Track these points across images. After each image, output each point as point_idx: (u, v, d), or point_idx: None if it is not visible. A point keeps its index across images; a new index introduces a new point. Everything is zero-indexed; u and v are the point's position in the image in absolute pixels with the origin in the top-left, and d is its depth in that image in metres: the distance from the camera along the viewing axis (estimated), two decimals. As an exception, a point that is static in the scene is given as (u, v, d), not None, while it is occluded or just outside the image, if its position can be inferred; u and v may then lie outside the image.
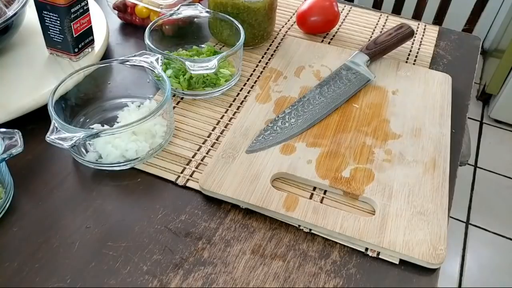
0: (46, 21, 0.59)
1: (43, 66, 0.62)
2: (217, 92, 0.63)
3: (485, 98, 1.91)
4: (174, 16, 0.67)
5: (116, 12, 0.76)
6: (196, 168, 0.53)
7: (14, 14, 0.58)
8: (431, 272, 0.45)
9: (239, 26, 0.64)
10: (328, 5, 0.75)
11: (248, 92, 0.64)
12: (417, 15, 1.17)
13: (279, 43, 0.75)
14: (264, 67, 0.69)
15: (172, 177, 0.52)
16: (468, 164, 1.66)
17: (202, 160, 0.54)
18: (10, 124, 0.53)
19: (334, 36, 0.78)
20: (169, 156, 0.54)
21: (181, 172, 0.52)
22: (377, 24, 0.82)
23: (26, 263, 0.43)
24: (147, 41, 0.61)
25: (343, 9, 0.85)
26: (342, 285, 0.44)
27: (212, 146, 0.56)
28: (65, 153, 0.54)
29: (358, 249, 0.47)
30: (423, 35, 0.80)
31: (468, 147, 1.01)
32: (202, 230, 0.47)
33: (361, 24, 0.82)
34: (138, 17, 0.74)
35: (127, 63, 0.56)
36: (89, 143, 0.53)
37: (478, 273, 1.35)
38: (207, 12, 0.68)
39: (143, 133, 0.52)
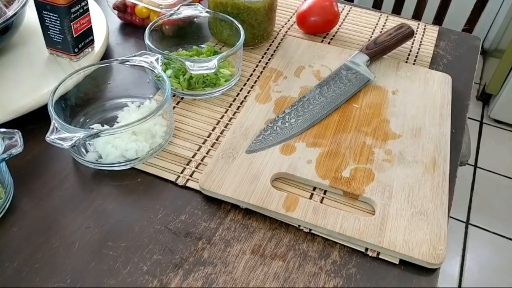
0: (46, 21, 0.59)
1: (43, 66, 0.62)
2: (217, 92, 0.63)
3: (485, 98, 1.91)
4: (174, 16, 0.67)
5: (116, 12, 0.76)
6: (196, 168, 0.53)
7: (14, 14, 0.58)
8: (431, 272, 0.45)
9: (239, 26, 0.64)
10: (328, 5, 0.75)
11: (248, 92, 0.64)
12: (417, 15, 1.17)
13: (279, 43, 0.75)
14: (264, 67, 0.69)
15: (172, 177, 0.52)
16: (468, 164, 1.66)
17: (202, 160, 0.54)
18: (10, 124, 0.53)
19: (334, 36, 0.78)
20: (169, 156, 0.54)
21: (181, 172, 0.52)
22: (377, 24, 0.82)
23: (26, 263, 0.43)
24: (147, 41, 0.61)
25: (343, 9, 0.85)
26: (342, 285, 0.44)
27: (212, 146, 0.56)
28: (65, 153, 0.54)
29: (358, 249, 0.47)
30: (423, 35, 0.80)
31: (468, 147, 1.01)
32: (202, 230, 0.47)
33: (361, 24, 0.82)
34: (138, 17, 0.74)
35: (127, 63, 0.56)
36: (89, 143, 0.53)
37: (478, 273, 1.35)
38: (207, 12, 0.68)
39: (143, 133, 0.52)
